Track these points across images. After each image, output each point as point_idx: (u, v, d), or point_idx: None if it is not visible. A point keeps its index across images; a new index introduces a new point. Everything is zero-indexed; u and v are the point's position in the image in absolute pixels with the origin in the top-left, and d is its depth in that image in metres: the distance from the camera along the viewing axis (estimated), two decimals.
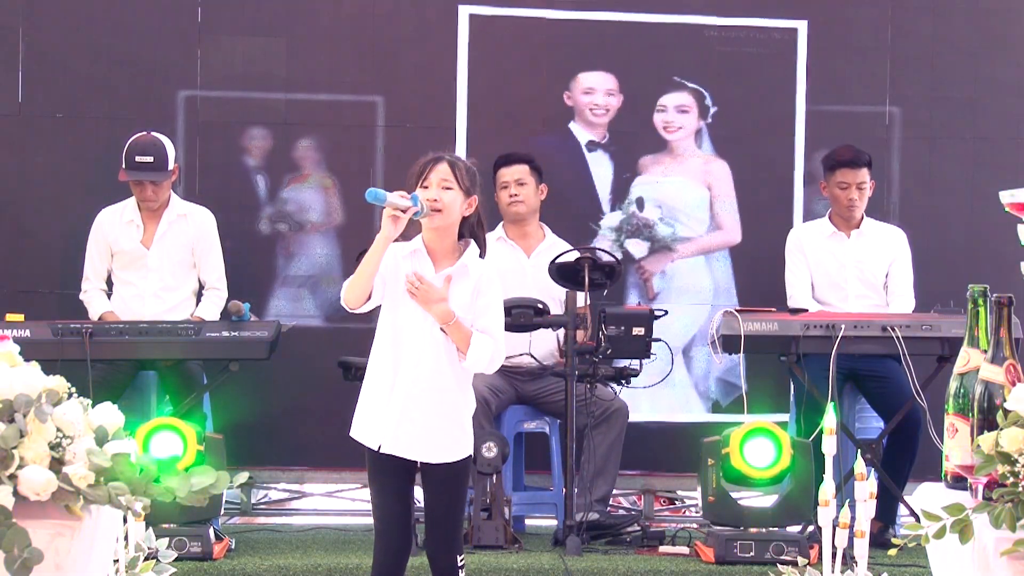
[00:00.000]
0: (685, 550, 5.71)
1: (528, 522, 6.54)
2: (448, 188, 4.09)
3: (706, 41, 6.92)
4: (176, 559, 3.84)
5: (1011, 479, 2.67)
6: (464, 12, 6.81)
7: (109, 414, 2.81)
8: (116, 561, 3.55)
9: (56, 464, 2.65)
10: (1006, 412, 2.75)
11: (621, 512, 6.70)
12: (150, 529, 3.87)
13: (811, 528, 5.58)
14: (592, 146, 6.91)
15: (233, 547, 5.63)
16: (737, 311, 5.82)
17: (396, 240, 4.06)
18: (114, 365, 6.00)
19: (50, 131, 6.67)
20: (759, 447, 5.57)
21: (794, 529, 5.67)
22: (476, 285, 4.11)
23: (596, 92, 6.91)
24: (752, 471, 5.56)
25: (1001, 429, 2.73)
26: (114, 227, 6.23)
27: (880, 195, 6.65)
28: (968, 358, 2.96)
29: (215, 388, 6.06)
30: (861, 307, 6.20)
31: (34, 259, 6.62)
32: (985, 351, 2.93)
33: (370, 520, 4.25)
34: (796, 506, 5.60)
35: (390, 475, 4.12)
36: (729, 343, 5.75)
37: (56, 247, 6.60)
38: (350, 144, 6.80)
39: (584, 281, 5.82)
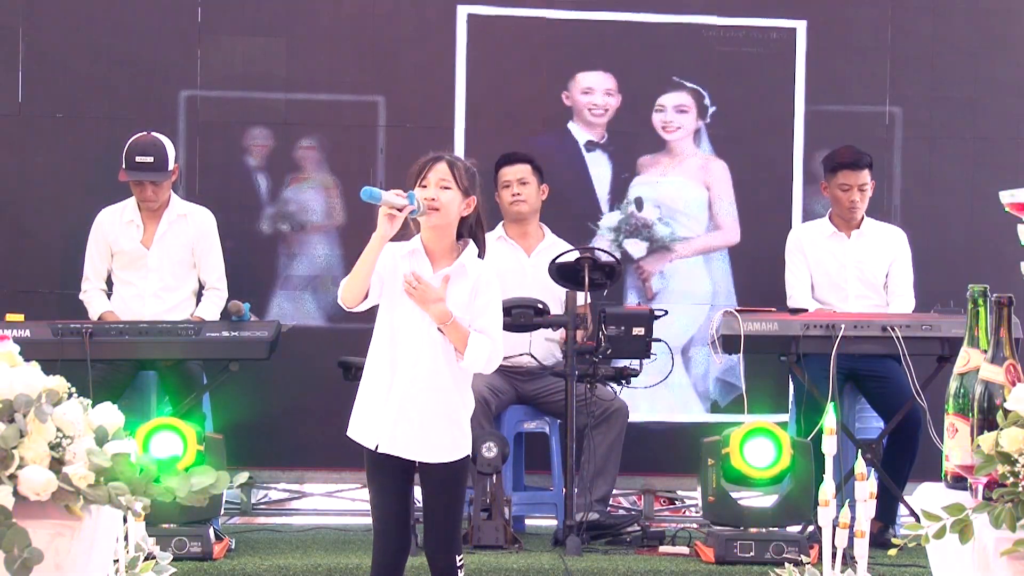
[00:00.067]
0: (685, 550, 5.71)
1: (528, 522, 6.54)
2: (446, 188, 4.09)
3: (705, 41, 6.91)
4: (176, 559, 3.85)
5: (1011, 479, 2.67)
6: (463, 12, 6.81)
7: (109, 414, 2.81)
8: (116, 561, 3.55)
9: (56, 464, 2.65)
10: (1006, 412, 2.75)
11: (621, 512, 6.70)
12: (145, 532, 3.87)
13: (811, 528, 5.58)
14: (591, 146, 6.91)
15: (233, 547, 5.63)
16: (737, 311, 5.82)
17: (395, 240, 4.07)
18: (114, 365, 6.00)
19: (50, 131, 6.67)
20: (759, 447, 5.57)
21: (794, 529, 5.67)
22: (474, 285, 4.11)
23: (595, 92, 6.91)
24: (752, 471, 5.56)
25: (1001, 429, 2.73)
26: (114, 227, 6.23)
27: (880, 195, 6.65)
28: (968, 358, 2.95)
29: (215, 388, 6.06)
30: (861, 307, 6.20)
31: (34, 259, 6.62)
32: (985, 351, 2.93)
33: (370, 520, 4.25)
34: (796, 506, 5.60)
35: (388, 475, 4.12)
36: (729, 343, 5.75)
37: (56, 247, 6.60)
38: (351, 144, 6.80)
39: (584, 281, 5.82)
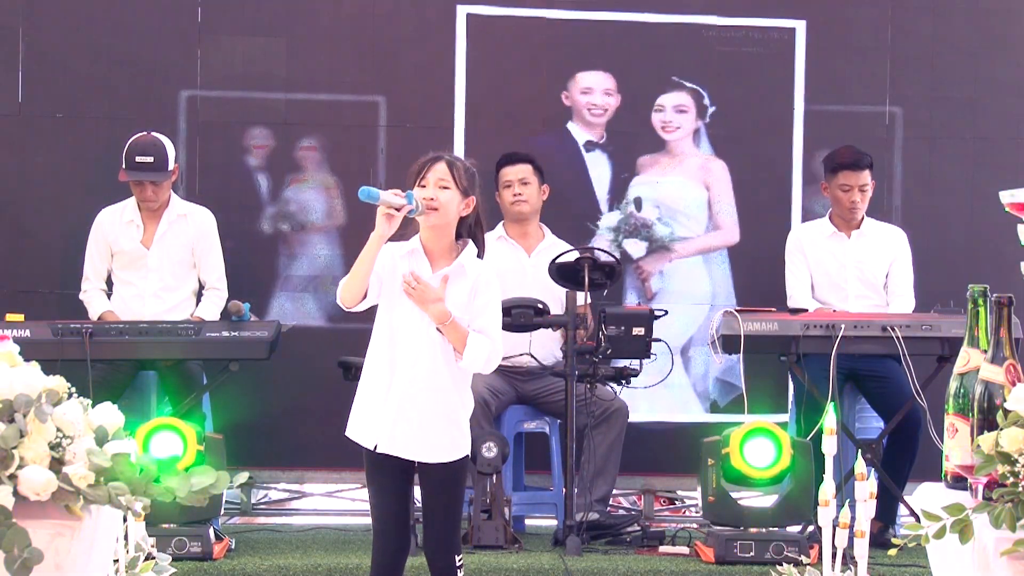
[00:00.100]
0: (685, 550, 5.71)
1: (528, 522, 6.54)
2: (445, 187, 4.09)
3: (704, 41, 6.91)
4: (176, 559, 3.85)
5: (1011, 479, 2.67)
6: (462, 12, 6.81)
7: (109, 414, 2.81)
8: (116, 561, 3.55)
9: (56, 464, 2.65)
10: (1006, 412, 2.75)
11: (621, 512, 6.70)
12: (145, 532, 3.87)
13: (811, 528, 5.58)
14: (590, 146, 6.91)
15: (233, 547, 5.63)
16: (737, 311, 5.82)
17: (394, 240, 4.07)
18: (114, 365, 6.00)
19: (50, 131, 6.67)
20: (759, 447, 5.57)
21: (794, 529, 5.67)
22: (473, 285, 4.11)
23: (594, 92, 6.91)
24: (752, 471, 5.56)
25: (1001, 429, 2.73)
26: (114, 227, 6.23)
27: (880, 195, 6.65)
28: (968, 358, 2.96)
29: (215, 388, 6.06)
30: (861, 307, 6.20)
31: (34, 259, 6.62)
32: (985, 351, 2.93)
33: (370, 520, 4.25)
34: (796, 506, 5.60)
35: (387, 475, 4.12)
36: (729, 343, 5.75)
37: (56, 247, 6.60)
38: (352, 144, 6.80)
39: (584, 281, 5.82)
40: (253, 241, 6.73)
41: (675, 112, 6.92)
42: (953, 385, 2.96)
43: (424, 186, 4.09)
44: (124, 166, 6.10)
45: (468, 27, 6.82)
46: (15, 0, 6.68)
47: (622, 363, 5.95)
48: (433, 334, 4.07)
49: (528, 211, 6.37)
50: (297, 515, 6.96)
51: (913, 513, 5.52)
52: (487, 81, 6.83)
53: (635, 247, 6.88)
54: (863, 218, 6.39)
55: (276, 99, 6.80)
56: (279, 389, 6.62)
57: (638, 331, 5.81)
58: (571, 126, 6.90)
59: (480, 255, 4.18)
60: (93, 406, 2.82)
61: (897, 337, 5.69)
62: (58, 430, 2.68)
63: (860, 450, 5.63)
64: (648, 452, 6.74)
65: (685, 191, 6.91)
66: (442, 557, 4.15)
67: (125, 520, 3.68)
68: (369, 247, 4.01)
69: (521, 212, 6.36)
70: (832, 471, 3.98)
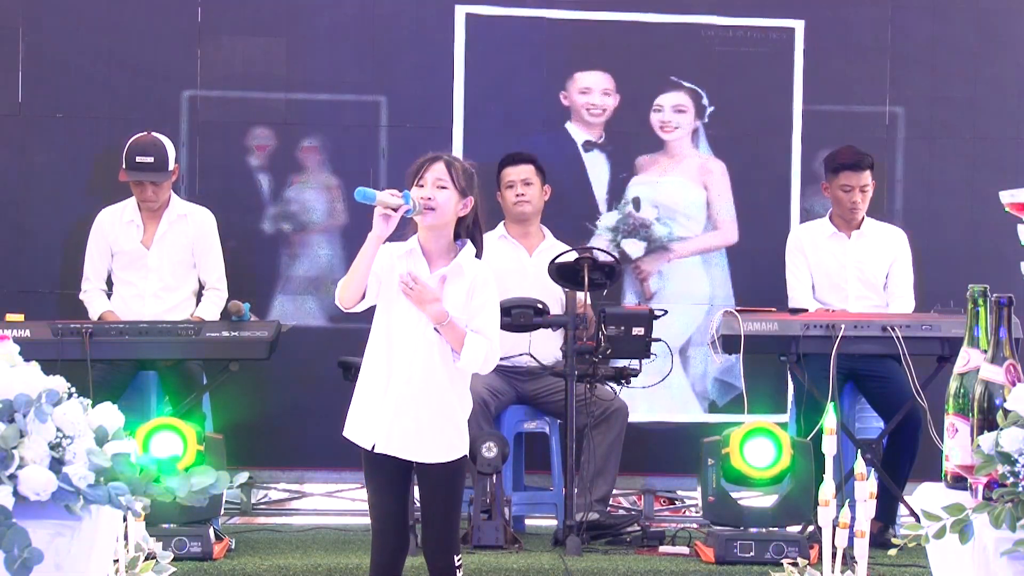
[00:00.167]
0: (685, 550, 5.71)
1: (528, 522, 6.54)
2: (443, 187, 4.09)
3: (703, 41, 6.91)
4: (176, 559, 3.85)
5: (1011, 479, 2.67)
6: (460, 12, 6.81)
7: (109, 414, 2.81)
8: (116, 561, 3.56)
9: (56, 464, 2.65)
10: (1006, 412, 2.75)
11: (621, 512, 6.70)
12: (145, 532, 3.88)
13: (811, 528, 5.57)
14: (588, 146, 6.91)
15: (233, 547, 5.62)
16: (737, 311, 5.82)
17: (393, 240, 4.07)
18: (114, 365, 6.00)
19: (50, 131, 6.67)
20: (759, 447, 5.57)
21: (794, 529, 5.67)
22: (471, 285, 4.11)
23: (593, 92, 6.91)
24: (752, 471, 5.56)
25: (1001, 429, 2.73)
26: (114, 227, 6.23)
27: (880, 195, 6.65)
28: (968, 358, 2.96)
29: (215, 388, 6.06)
30: (861, 308, 6.20)
31: (34, 259, 6.62)
32: (985, 351, 2.94)
33: (369, 520, 4.25)
34: (796, 506, 5.60)
35: (386, 475, 4.13)
36: (729, 343, 5.75)
37: (56, 247, 6.60)
38: (353, 144, 6.80)
39: (584, 281, 5.82)
40: (254, 241, 6.73)
41: (674, 112, 6.92)
42: (953, 385, 2.97)
43: (422, 186, 4.09)
44: (124, 166, 6.10)
45: (467, 27, 6.81)
46: (15, 0, 6.68)
47: (622, 363, 5.95)
48: (431, 334, 4.07)
49: (530, 211, 6.38)
50: (297, 515, 6.96)
51: (913, 513, 5.52)
52: (486, 81, 6.83)
53: (634, 247, 6.88)
54: (863, 218, 6.39)
55: (276, 99, 6.80)
56: (279, 389, 6.62)
57: (638, 331, 5.81)
58: (570, 126, 6.90)
59: (478, 255, 4.18)
60: (93, 406, 2.82)
61: (897, 337, 5.70)
62: (58, 430, 2.68)
63: (860, 450, 5.63)
64: (648, 452, 6.75)
65: (684, 191, 6.91)
66: (441, 557, 4.16)
67: (125, 520, 3.69)
68: (367, 248, 4.02)
69: (523, 212, 6.36)
70: (832, 471, 3.99)
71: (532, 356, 6.07)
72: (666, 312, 6.00)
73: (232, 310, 5.87)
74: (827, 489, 3.91)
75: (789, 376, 6.38)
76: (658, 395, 6.52)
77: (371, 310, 4.14)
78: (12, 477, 2.60)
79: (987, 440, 2.74)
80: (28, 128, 6.67)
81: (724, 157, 6.92)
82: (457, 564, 4.15)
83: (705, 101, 6.91)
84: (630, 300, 6.81)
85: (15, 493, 2.60)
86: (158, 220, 6.21)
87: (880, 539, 5.29)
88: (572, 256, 5.94)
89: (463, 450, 4.16)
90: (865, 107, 6.97)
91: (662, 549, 5.73)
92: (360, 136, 6.80)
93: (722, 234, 6.92)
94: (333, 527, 6.47)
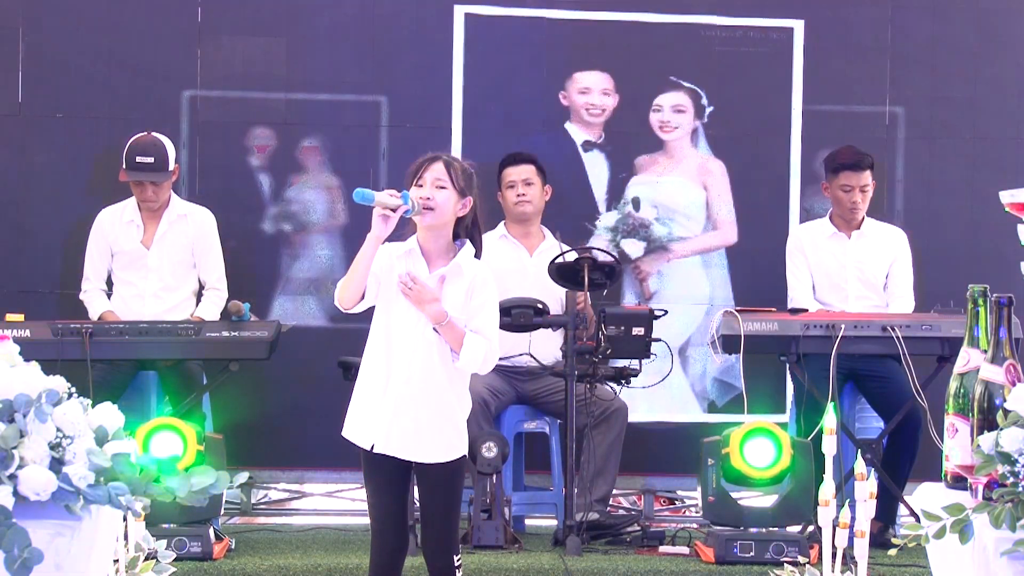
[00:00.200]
0: (685, 550, 5.71)
1: (528, 522, 6.54)
2: (442, 187, 4.09)
3: (702, 41, 6.91)
4: (176, 559, 3.85)
5: (1011, 479, 2.67)
6: (459, 12, 6.81)
7: (109, 414, 2.81)
8: (116, 561, 3.56)
9: (56, 464, 2.65)
10: (1006, 412, 2.75)
11: (621, 512, 6.70)
12: (147, 532, 3.87)
13: (811, 528, 5.57)
14: (588, 146, 6.91)
15: (233, 547, 5.62)
16: (737, 311, 5.82)
17: (392, 240, 4.07)
18: (114, 365, 6.00)
19: (50, 131, 6.67)
20: (759, 447, 5.57)
21: (794, 529, 5.67)
22: (470, 285, 4.11)
23: (592, 92, 6.91)
24: (752, 471, 5.56)
25: (1001, 429, 2.73)
26: (114, 227, 6.23)
27: (880, 195, 6.64)
28: (968, 358, 2.96)
29: (215, 388, 6.06)
30: (861, 308, 6.20)
31: (34, 259, 6.62)
32: (985, 351, 2.94)
33: (369, 520, 4.25)
34: (796, 506, 5.60)
35: (385, 475, 4.13)
36: (729, 343, 5.75)
37: (56, 247, 6.60)
38: (353, 144, 6.80)
39: (584, 281, 5.82)
40: (255, 241, 6.73)
41: (673, 112, 6.92)
42: (953, 385, 2.97)
43: (421, 186, 4.09)
44: (124, 166, 6.10)
45: (467, 27, 6.81)
46: (15, 0, 6.68)
47: (622, 363, 5.95)
48: (430, 334, 4.07)
49: (531, 212, 6.38)
50: (297, 515, 6.96)
51: (913, 513, 5.52)
52: (485, 81, 6.83)
53: (633, 247, 6.88)
54: (863, 218, 6.39)
55: (276, 99, 6.80)
56: (279, 389, 6.63)
57: (638, 331, 5.81)
58: (569, 126, 6.90)
59: (477, 255, 4.18)
60: (93, 406, 2.82)
61: (897, 337, 5.70)
62: (58, 430, 2.68)
63: (860, 450, 5.63)
64: (648, 452, 6.75)
65: (683, 191, 6.91)
66: (441, 557, 4.16)
67: (125, 520, 3.69)
68: (366, 248, 4.02)
69: (524, 212, 6.36)
70: (832, 471, 3.99)
71: (532, 356, 6.07)
72: (666, 312, 6.00)
73: (232, 310, 5.87)
74: (827, 489, 3.91)
75: (789, 376, 6.38)
76: (658, 395, 6.52)
77: (371, 310, 4.14)
78: (12, 477, 2.61)
79: (987, 440, 2.74)
80: (28, 128, 6.67)
81: (723, 157, 6.92)
82: (456, 564, 4.15)
83: (704, 101, 6.91)
84: (629, 300, 6.81)
85: (15, 493, 2.60)
86: (158, 220, 6.21)
87: (880, 539, 5.29)
88: (572, 256, 5.94)
89: (462, 450, 4.16)
90: (865, 107, 6.97)
91: (662, 549, 5.73)
92: (360, 136, 6.80)
93: (721, 234, 6.92)
94: (333, 527, 6.47)
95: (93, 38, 6.70)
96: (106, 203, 6.30)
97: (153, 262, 6.20)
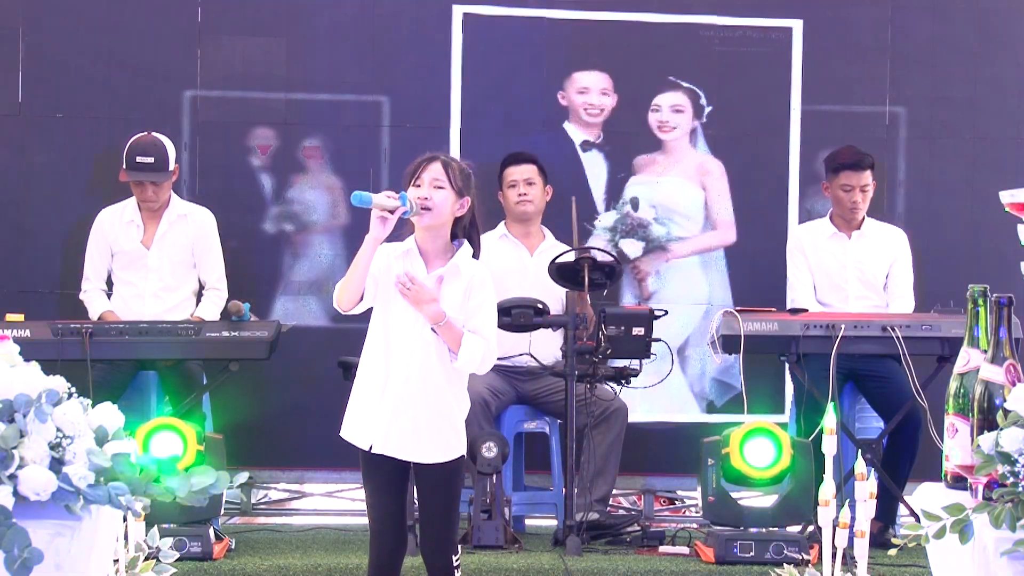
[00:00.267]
0: (685, 550, 5.71)
1: (528, 522, 6.54)
2: (440, 187, 4.09)
3: (701, 40, 6.91)
4: (176, 559, 3.85)
5: (1011, 479, 2.67)
6: (458, 12, 6.81)
7: (109, 414, 2.81)
8: (116, 561, 3.56)
9: (56, 464, 2.65)
10: (1006, 412, 2.75)
11: (621, 512, 6.70)
12: (155, 528, 3.88)
13: (811, 528, 5.57)
14: (586, 146, 6.91)
15: (233, 547, 5.62)
16: (737, 311, 5.82)
17: (390, 241, 4.07)
18: (114, 365, 6.00)
19: (50, 131, 6.67)
20: (759, 447, 5.57)
21: (794, 529, 5.67)
22: (468, 285, 4.12)
23: (590, 92, 6.91)
24: (752, 471, 5.56)
25: (1001, 429, 2.73)
26: (114, 227, 6.23)
27: (880, 195, 6.64)
28: (968, 358, 2.96)
29: (215, 388, 6.06)
30: (861, 308, 6.20)
31: (34, 259, 6.62)
32: (985, 351, 2.94)
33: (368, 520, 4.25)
34: (796, 506, 5.60)
35: (383, 475, 4.13)
36: (729, 343, 5.75)
37: (56, 247, 6.60)
38: (354, 144, 6.80)
39: (584, 281, 5.82)
40: (256, 241, 6.73)
41: (672, 112, 6.92)
42: (953, 385, 2.97)
43: (419, 186, 4.09)
44: (124, 166, 6.11)
45: (466, 27, 6.81)
46: (15, 0, 6.68)
47: (622, 363, 5.95)
48: (428, 334, 4.07)
49: (532, 211, 6.38)
50: (297, 515, 6.96)
51: (913, 513, 5.52)
52: (483, 81, 6.82)
53: (632, 247, 6.87)
54: (863, 218, 6.39)
55: (276, 99, 6.80)
56: (279, 389, 6.63)
57: (638, 331, 5.81)
58: (568, 126, 6.89)
59: (475, 255, 4.18)
60: (93, 406, 2.82)
61: (897, 337, 5.70)
62: (58, 430, 2.68)
63: (860, 450, 5.63)
64: (648, 452, 6.75)
65: (682, 191, 6.91)
66: (440, 557, 4.16)
67: (125, 520, 3.69)
68: (364, 250, 4.02)
69: (525, 212, 6.37)
70: (832, 471, 3.99)
71: (532, 356, 6.08)
72: (666, 312, 6.00)
73: (232, 310, 5.87)
74: (827, 489, 3.91)
75: (788, 376, 6.38)
76: (657, 395, 6.51)
77: (371, 310, 4.14)
78: (12, 477, 2.61)
79: (987, 440, 2.74)
80: (28, 128, 6.67)
81: (722, 157, 6.92)
82: (455, 564, 4.16)
83: (703, 101, 6.91)
84: (628, 300, 6.81)
85: (15, 493, 2.60)
86: (158, 220, 6.21)
87: (880, 539, 5.28)
88: (572, 256, 5.94)
89: (461, 450, 4.16)
90: (865, 107, 6.96)
91: (662, 549, 5.73)
92: (361, 136, 6.80)
93: (720, 234, 6.92)
94: (333, 527, 6.47)
95: (93, 38, 6.70)
96: (106, 203, 6.30)
97: (153, 262, 6.20)
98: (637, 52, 6.89)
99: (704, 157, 6.92)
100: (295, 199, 6.78)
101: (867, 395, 6.22)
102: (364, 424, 4.10)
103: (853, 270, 6.33)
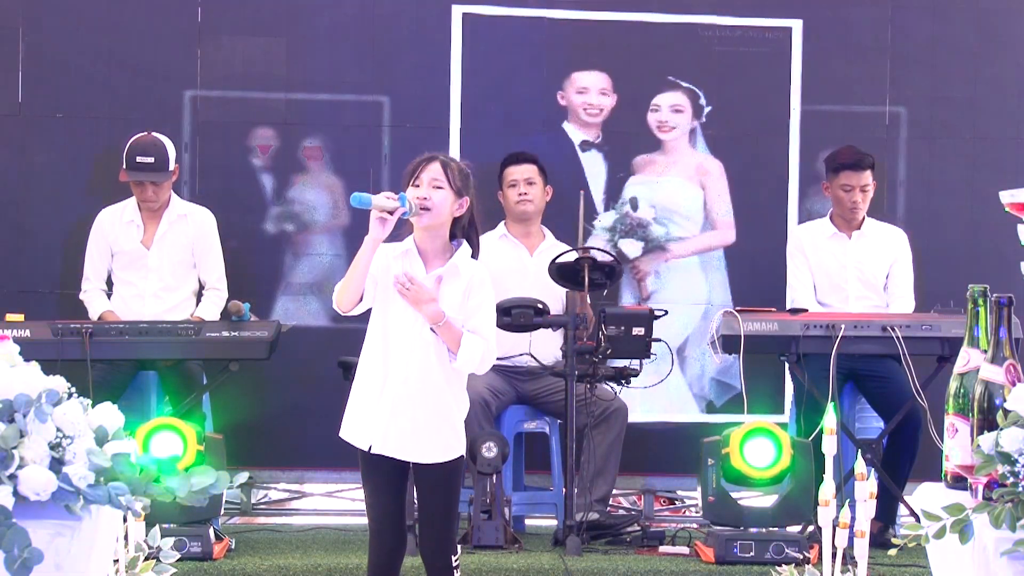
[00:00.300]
0: (685, 550, 5.71)
1: (528, 522, 6.54)
2: (439, 188, 4.09)
3: (700, 40, 6.91)
4: (176, 559, 3.85)
5: (1011, 479, 2.67)
6: (458, 12, 6.81)
7: (109, 414, 2.81)
8: (116, 561, 3.56)
9: (56, 464, 2.65)
10: (1006, 412, 2.75)
11: (621, 512, 6.70)
12: (155, 528, 3.87)
13: (811, 528, 5.57)
14: (586, 146, 6.91)
15: (233, 547, 5.62)
16: (737, 311, 5.82)
17: (389, 241, 4.07)
18: (114, 365, 6.00)
19: (50, 131, 6.67)
20: (759, 447, 5.57)
21: (794, 529, 5.67)
22: (467, 285, 4.12)
23: (590, 92, 6.91)
24: (752, 471, 5.56)
25: (1001, 429, 2.73)
26: (114, 227, 6.23)
27: (880, 195, 6.64)
28: (968, 358, 2.96)
29: (215, 388, 6.06)
30: (862, 308, 6.20)
31: (34, 259, 6.62)
32: (985, 351, 2.94)
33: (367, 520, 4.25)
34: (796, 506, 5.60)
35: (382, 475, 4.13)
36: (729, 343, 5.75)
37: (56, 247, 6.60)
38: (354, 144, 6.80)
39: (584, 281, 5.83)
40: (256, 241, 6.73)
41: (671, 112, 6.92)
42: (953, 385, 2.97)
43: (418, 186, 4.10)
44: (124, 166, 6.11)
45: (465, 27, 6.81)
46: (15, 0, 6.68)
47: (622, 363, 5.95)
48: (427, 334, 4.07)
49: (532, 211, 6.38)
50: (297, 515, 6.96)
51: (913, 513, 5.52)
52: (485, 81, 6.83)
53: (631, 247, 6.87)
54: (864, 218, 6.39)
55: (277, 99, 6.80)
56: (279, 389, 6.63)
57: (638, 331, 5.81)
58: (567, 126, 6.89)
59: (474, 255, 4.18)
60: (93, 406, 2.82)
61: (897, 337, 5.70)
62: (58, 430, 2.68)
63: (860, 450, 5.63)
64: (648, 452, 6.75)
65: (681, 191, 6.91)
66: (439, 557, 4.16)
67: (125, 520, 3.69)
68: (363, 251, 4.02)
69: (525, 212, 6.37)
70: (832, 471, 3.99)
71: (532, 356, 6.08)
72: (666, 312, 6.00)
73: (232, 310, 5.87)
74: (827, 489, 3.91)
75: (788, 376, 6.38)
76: (656, 395, 6.52)
77: (371, 311, 4.14)
78: (12, 477, 2.61)
79: (987, 440, 2.74)
80: (28, 128, 6.67)
81: (722, 157, 6.92)
82: (455, 564, 4.16)
83: (703, 101, 6.91)
84: (627, 300, 6.81)
85: (15, 493, 2.60)
86: (158, 220, 6.21)
87: (880, 539, 5.29)
88: (572, 256, 5.94)
89: (460, 450, 4.16)
90: (865, 107, 6.97)
91: (662, 549, 5.73)
92: (361, 136, 6.80)
93: (720, 234, 6.92)
94: (333, 527, 6.47)
95: (93, 38, 6.70)
96: (106, 203, 6.30)
97: (153, 262, 6.20)
98: (637, 52, 6.89)
99: (704, 157, 6.92)
100: (295, 199, 6.78)
101: (867, 395, 6.23)
102: (363, 424, 4.10)
103: (853, 270, 6.33)
